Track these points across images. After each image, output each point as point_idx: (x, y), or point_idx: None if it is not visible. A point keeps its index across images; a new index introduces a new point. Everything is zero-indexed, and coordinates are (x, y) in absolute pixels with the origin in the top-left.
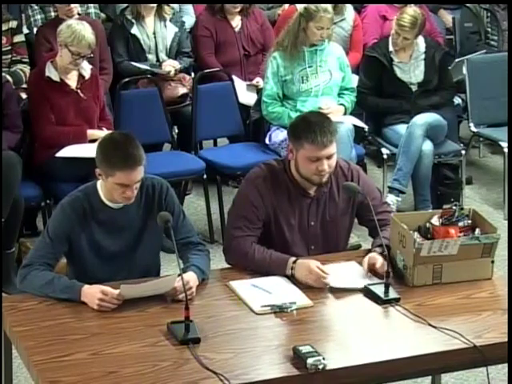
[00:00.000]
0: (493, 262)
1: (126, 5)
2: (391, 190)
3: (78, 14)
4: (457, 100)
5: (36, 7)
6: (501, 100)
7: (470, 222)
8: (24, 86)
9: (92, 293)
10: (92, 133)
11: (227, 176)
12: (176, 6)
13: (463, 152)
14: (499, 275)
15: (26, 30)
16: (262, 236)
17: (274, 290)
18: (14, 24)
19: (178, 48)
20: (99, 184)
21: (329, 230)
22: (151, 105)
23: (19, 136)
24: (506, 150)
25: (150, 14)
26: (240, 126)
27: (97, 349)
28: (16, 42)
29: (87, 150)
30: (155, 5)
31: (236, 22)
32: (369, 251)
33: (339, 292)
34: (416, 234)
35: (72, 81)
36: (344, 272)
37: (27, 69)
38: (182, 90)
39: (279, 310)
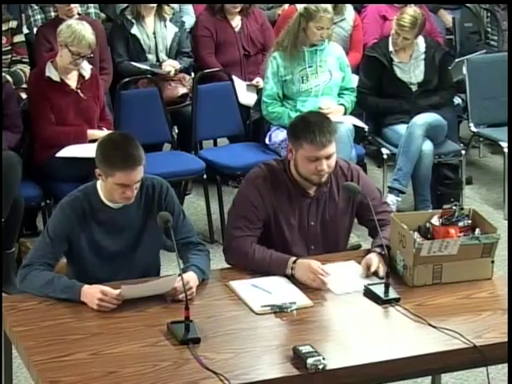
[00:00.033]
0: (493, 262)
1: (125, 5)
2: (391, 189)
3: (78, 14)
4: (457, 100)
5: (36, 7)
6: (501, 100)
7: (470, 222)
8: (24, 85)
9: (92, 293)
10: (92, 133)
11: (227, 176)
12: (176, 6)
13: (463, 152)
14: (499, 275)
15: (26, 30)
16: (262, 236)
17: (274, 290)
18: (13, 24)
19: (178, 48)
20: (99, 184)
21: (329, 229)
22: (151, 105)
23: (19, 136)
24: (506, 150)
25: (150, 14)
26: (240, 126)
27: (97, 349)
28: (16, 41)
29: (87, 150)
30: (155, 5)
31: (236, 22)
32: (368, 251)
33: None
34: (416, 234)
35: (72, 81)
36: (344, 272)
37: (27, 69)
38: (182, 90)
39: (279, 310)
